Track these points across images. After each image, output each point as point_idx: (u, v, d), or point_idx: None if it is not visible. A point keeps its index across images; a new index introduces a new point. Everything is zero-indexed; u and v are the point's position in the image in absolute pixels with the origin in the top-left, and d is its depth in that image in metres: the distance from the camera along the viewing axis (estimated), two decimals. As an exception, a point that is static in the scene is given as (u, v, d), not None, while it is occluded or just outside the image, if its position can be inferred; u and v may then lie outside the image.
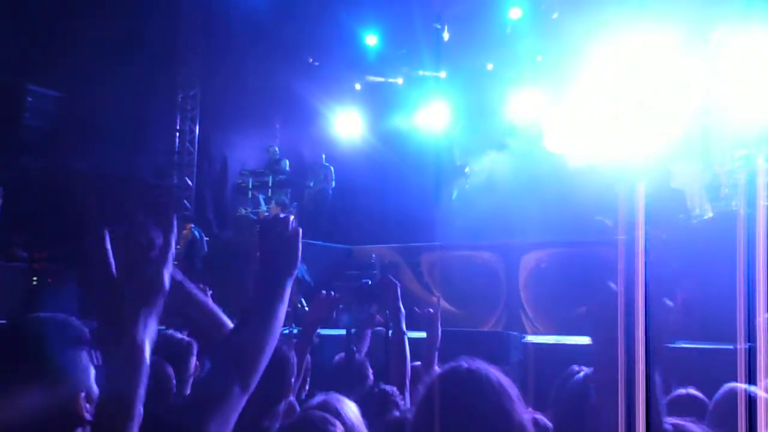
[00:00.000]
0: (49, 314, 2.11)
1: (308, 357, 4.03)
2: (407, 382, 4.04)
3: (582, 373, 2.84)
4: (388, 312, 4.48)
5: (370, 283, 5.03)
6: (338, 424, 2.70)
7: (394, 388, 3.79)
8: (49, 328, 2.06)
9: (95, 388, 2.04)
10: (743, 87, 10.91)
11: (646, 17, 12.04)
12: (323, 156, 14.47)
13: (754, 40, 11.01)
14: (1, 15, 11.74)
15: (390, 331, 4.41)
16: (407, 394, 3.85)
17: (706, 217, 10.71)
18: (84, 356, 2.05)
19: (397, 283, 4.64)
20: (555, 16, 13.81)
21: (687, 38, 12.43)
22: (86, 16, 12.70)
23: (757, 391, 3.27)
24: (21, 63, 12.60)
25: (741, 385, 3.33)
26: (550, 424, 2.95)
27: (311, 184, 14.33)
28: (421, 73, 15.79)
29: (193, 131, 15.58)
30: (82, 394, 1.98)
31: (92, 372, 2.07)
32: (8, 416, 1.90)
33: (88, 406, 1.98)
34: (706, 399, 3.59)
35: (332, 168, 14.33)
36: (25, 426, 1.90)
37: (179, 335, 3.82)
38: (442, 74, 15.67)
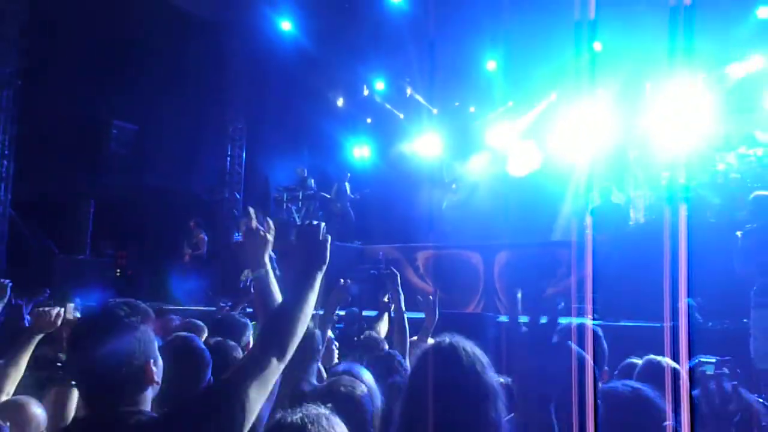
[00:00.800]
0: (127, 299, 2.17)
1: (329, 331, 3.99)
2: (407, 351, 4.03)
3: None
4: (389, 295, 4.54)
5: (377, 273, 5.07)
6: (363, 385, 2.74)
7: (398, 353, 3.83)
8: (128, 310, 2.11)
9: (160, 357, 2.10)
10: (664, 128, 10.96)
11: (589, 75, 12.11)
12: (348, 175, 14.23)
13: (672, 93, 11.05)
14: (93, 66, 11.82)
15: (392, 311, 4.48)
16: (407, 360, 3.87)
17: (640, 222, 10.76)
18: (150, 331, 2.10)
19: (398, 273, 4.70)
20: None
21: (621, 91, 12.51)
22: (156, 66, 12.76)
23: (670, 362, 3.28)
24: (108, 103, 12.69)
25: (667, 360, 3.33)
26: (510, 382, 2.95)
27: (333, 198, 13.98)
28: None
29: (240, 156, 15.64)
30: (151, 360, 2.03)
31: (156, 344, 2.12)
32: (98, 376, 1.96)
33: (155, 369, 2.04)
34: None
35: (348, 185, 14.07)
36: (111, 384, 1.96)
37: (238, 316, 3.83)
38: (434, 111, 15.74)
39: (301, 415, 1.91)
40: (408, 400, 2.20)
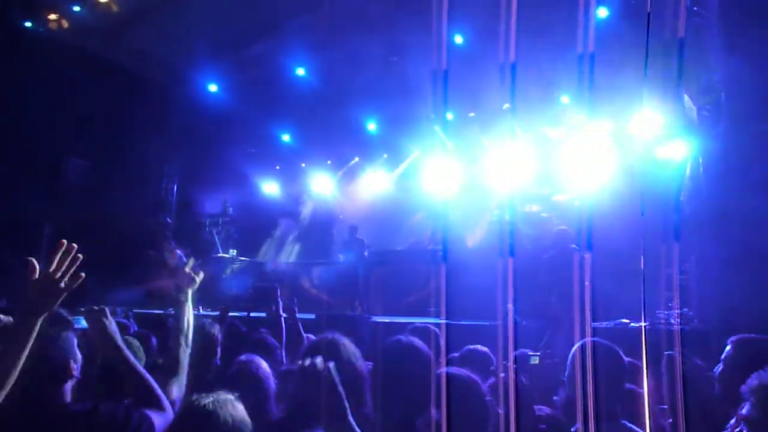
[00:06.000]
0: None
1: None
2: (283, 344, 3.98)
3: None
4: (273, 305, 4.51)
5: (262, 287, 5.01)
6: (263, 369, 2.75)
7: (275, 341, 3.82)
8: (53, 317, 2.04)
9: (79, 355, 2.04)
10: (495, 177, 11.40)
11: (443, 137, 12.53)
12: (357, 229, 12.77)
13: (501, 150, 11.51)
14: (53, 112, 11.30)
15: (272, 314, 4.46)
16: (284, 352, 3.85)
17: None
18: (71, 335, 2.05)
19: (278, 287, 4.69)
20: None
21: (465, 147, 12.98)
22: (108, 114, 12.32)
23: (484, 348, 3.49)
24: (65, 141, 12.15)
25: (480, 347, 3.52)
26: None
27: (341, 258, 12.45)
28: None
29: (173, 188, 15.20)
30: (71, 360, 2.00)
31: (75, 342, 2.06)
32: (27, 371, 1.84)
33: (75, 366, 2.01)
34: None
35: (365, 240, 12.44)
36: (38, 379, 1.89)
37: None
38: (329, 162, 15.81)
39: (212, 399, 1.83)
40: (300, 382, 2.22)
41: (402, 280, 11.12)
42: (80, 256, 1.99)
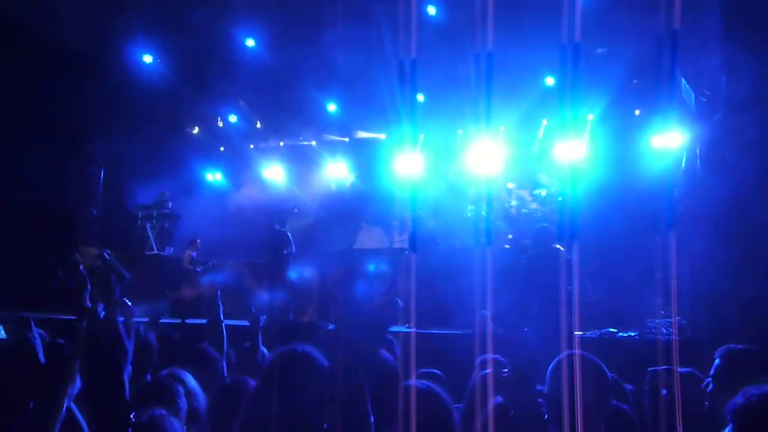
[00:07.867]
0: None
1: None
2: (224, 354, 3.96)
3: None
4: (211, 307, 4.48)
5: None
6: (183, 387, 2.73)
7: (216, 353, 3.81)
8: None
9: None
10: (471, 170, 11.49)
11: (412, 121, 12.52)
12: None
13: (477, 141, 11.55)
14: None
15: (210, 320, 4.39)
16: (224, 363, 3.84)
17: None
18: None
19: (218, 288, 4.67)
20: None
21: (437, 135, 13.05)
22: (20, 83, 11.94)
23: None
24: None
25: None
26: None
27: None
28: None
29: (99, 175, 14.84)
30: None
31: None
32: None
33: None
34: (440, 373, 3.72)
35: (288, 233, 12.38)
36: None
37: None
38: (281, 143, 15.70)
39: (148, 415, 1.94)
40: (259, 395, 2.21)
41: (365, 283, 11.10)
42: None
